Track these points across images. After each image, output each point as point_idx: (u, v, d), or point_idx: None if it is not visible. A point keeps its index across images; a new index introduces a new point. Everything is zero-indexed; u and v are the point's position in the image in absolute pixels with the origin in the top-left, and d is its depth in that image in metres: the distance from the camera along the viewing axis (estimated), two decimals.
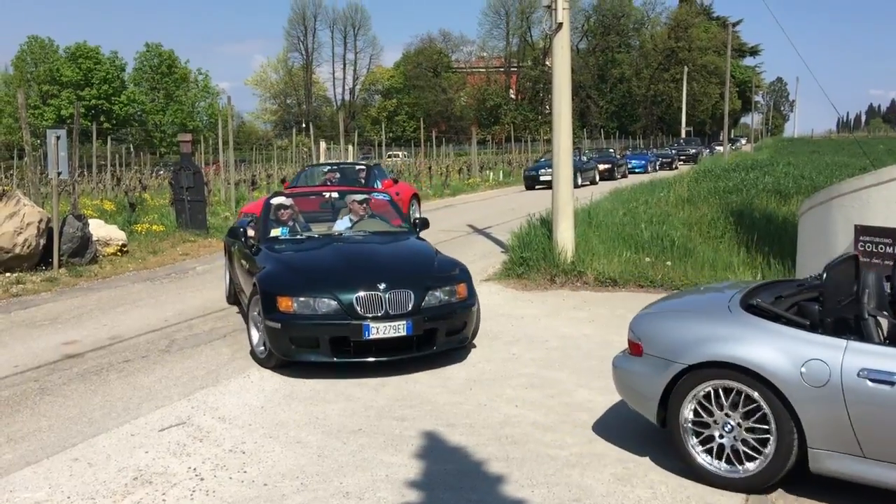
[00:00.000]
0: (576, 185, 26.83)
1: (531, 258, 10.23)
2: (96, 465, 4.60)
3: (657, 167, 41.90)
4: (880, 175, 6.82)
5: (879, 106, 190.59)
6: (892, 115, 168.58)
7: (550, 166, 27.35)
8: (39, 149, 24.77)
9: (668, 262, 9.86)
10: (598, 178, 31.17)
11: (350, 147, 38.72)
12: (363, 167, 15.78)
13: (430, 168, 33.94)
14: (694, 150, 54.94)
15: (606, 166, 34.02)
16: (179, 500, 4.13)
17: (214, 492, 4.22)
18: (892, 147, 43.62)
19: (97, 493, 4.23)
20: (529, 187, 28.50)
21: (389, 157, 46.02)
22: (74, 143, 13.13)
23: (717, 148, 63.78)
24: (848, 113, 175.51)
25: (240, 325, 8.02)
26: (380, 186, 13.94)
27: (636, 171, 38.32)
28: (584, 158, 31.39)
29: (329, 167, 15.90)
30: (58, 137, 11.43)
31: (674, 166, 43.94)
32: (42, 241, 11.06)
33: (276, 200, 8.03)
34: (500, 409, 5.42)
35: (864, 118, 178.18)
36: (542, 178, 27.13)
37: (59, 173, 11.53)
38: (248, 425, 5.20)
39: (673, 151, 50.89)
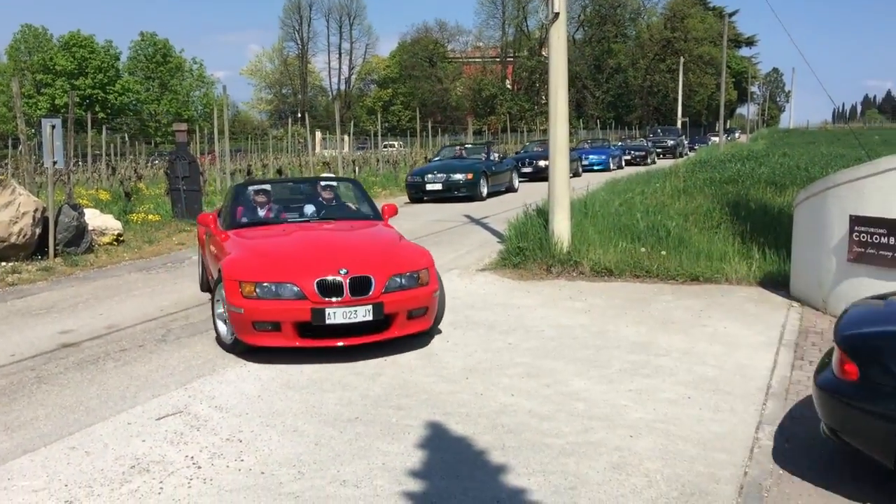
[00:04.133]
0: (473, 198, 19.76)
1: (527, 248, 10.24)
2: (94, 454, 4.61)
3: (622, 163, 34.61)
4: (876, 165, 6.83)
5: (875, 97, 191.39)
6: (887, 105, 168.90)
7: (441, 171, 20.48)
8: (34, 138, 24.68)
9: (664, 252, 9.87)
10: (516, 182, 23.15)
11: (346, 137, 38.65)
12: (330, 182, 9.10)
13: (426, 158, 33.89)
14: (672, 142, 45.84)
15: (546, 163, 26.67)
16: (177, 489, 4.15)
17: (212, 480, 4.24)
18: (887, 138, 43.73)
19: (95, 482, 4.24)
20: (415, 199, 20.40)
21: (385, 146, 45.96)
22: (69, 132, 13.09)
23: (713, 139, 63.23)
24: (844, 104, 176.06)
25: None
26: (373, 214, 8.38)
27: (594, 168, 31.34)
28: (496, 157, 22.71)
29: (260, 186, 8.93)
30: (53, 127, 11.40)
31: (648, 161, 36.97)
32: (38, 231, 11.04)
33: None
34: (496, 398, 5.43)
35: (859, 109, 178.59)
36: (429, 188, 20.03)
37: (54, 162, 11.50)
38: (244, 414, 5.22)
39: (648, 143, 42.14)
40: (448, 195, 20.01)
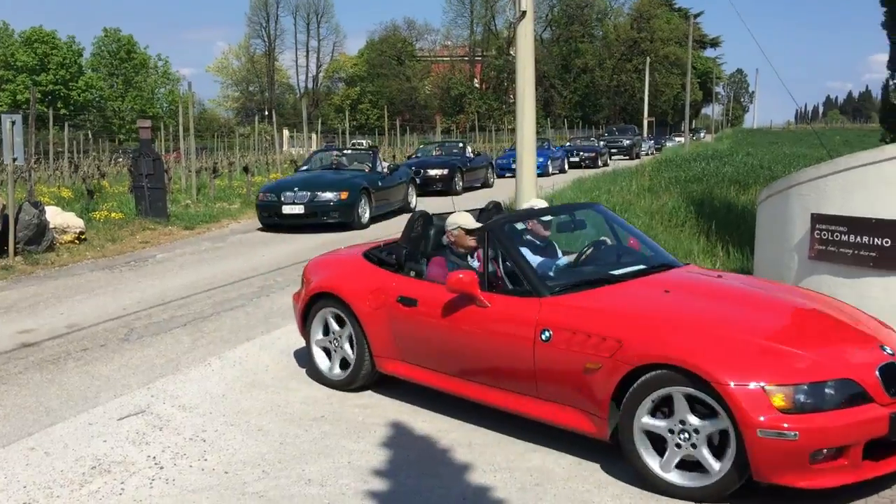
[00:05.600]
0: (349, 225, 14.19)
1: None
2: (53, 455, 4.52)
3: (565, 166, 31.37)
4: (836, 164, 6.92)
5: (837, 98, 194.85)
6: (848, 107, 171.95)
7: (304, 187, 14.82)
8: None
9: None
10: (413, 199, 17.37)
11: (313, 135, 38.48)
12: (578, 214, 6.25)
13: (394, 157, 33.85)
14: (628, 142, 43.03)
15: (440, 172, 20.96)
16: (139, 489, 4.08)
17: (174, 480, 4.18)
18: (848, 138, 44.54)
19: (54, 483, 4.17)
20: (268, 224, 14.67)
21: (353, 145, 45.80)
22: (31, 128, 12.86)
23: (678, 139, 63.75)
24: (806, 105, 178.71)
25: (200, 313, 7.94)
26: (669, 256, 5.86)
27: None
28: (384, 167, 16.85)
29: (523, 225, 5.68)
30: (13, 122, 11.18)
31: (599, 164, 33.82)
32: None
33: None
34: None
35: (821, 110, 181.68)
36: (287, 211, 14.25)
37: (14, 159, 11.28)
38: (208, 413, 5.16)
39: (601, 144, 38.22)
40: (314, 221, 14.25)
